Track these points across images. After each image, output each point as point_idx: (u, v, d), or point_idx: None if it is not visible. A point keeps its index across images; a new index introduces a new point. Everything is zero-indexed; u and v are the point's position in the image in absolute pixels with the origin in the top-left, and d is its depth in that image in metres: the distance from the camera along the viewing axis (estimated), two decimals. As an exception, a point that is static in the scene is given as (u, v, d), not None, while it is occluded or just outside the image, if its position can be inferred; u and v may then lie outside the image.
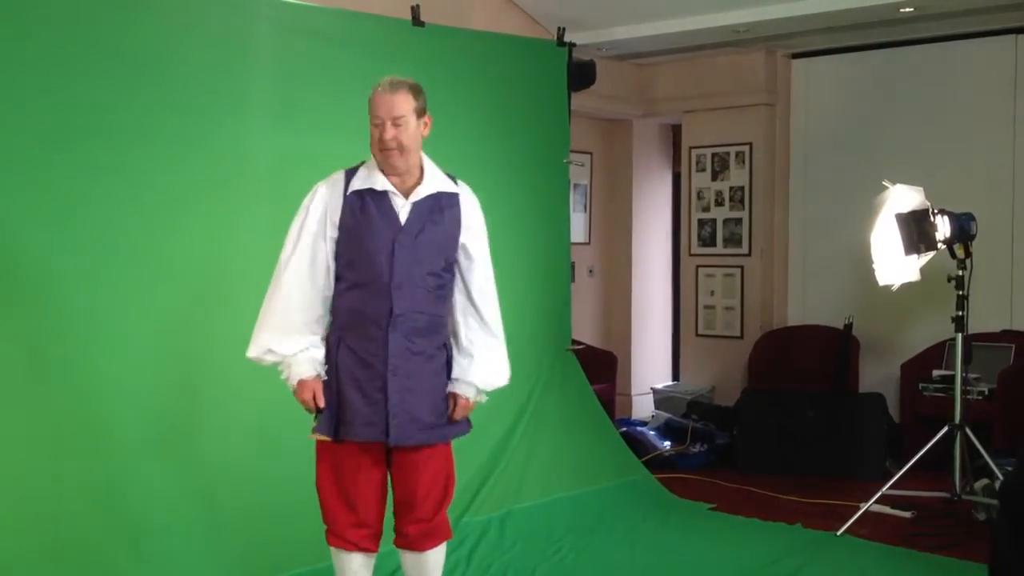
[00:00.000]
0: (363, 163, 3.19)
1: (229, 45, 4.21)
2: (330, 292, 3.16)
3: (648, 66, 7.55)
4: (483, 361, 3.23)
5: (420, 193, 3.14)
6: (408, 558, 3.29)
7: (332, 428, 3.13)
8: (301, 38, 4.43)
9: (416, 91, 3.12)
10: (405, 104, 3.07)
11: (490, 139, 5.19)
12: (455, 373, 3.22)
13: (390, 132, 3.05)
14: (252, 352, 3.16)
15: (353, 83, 4.49)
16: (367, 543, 3.22)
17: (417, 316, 3.11)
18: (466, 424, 3.29)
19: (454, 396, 3.22)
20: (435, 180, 3.19)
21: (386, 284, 3.08)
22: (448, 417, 3.21)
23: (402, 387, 3.09)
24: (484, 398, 3.28)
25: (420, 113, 3.13)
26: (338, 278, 3.15)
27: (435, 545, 3.24)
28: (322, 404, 3.12)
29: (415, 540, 3.23)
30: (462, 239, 3.20)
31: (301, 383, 3.12)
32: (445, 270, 3.18)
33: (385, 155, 3.08)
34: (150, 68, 3.95)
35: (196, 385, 4.02)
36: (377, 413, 3.09)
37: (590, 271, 7.85)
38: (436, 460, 3.23)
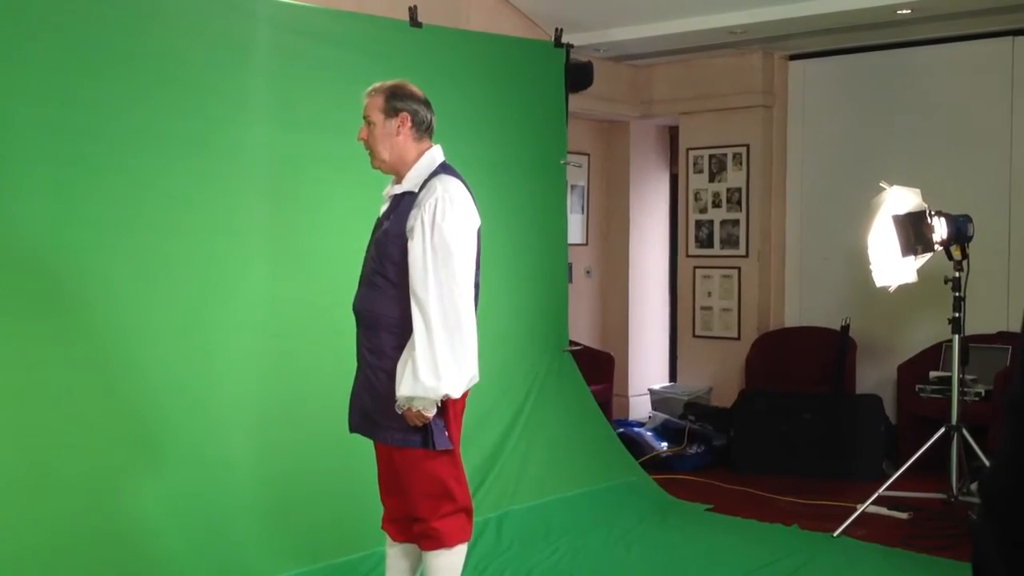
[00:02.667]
0: None
1: (227, 45, 4.21)
2: None
3: (645, 67, 7.55)
4: (399, 368, 3.07)
5: (391, 193, 3.25)
6: (423, 555, 3.32)
7: None
8: (299, 38, 4.44)
9: (390, 92, 3.20)
10: (373, 105, 3.20)
11: (487, 140, 5.19)
12: None
13: (362, 132, 3.22)
14: None
15: (351, 83, 4.48)
16: (386, 524, 3.37)
17: (365, 313, 3.20)
18: (421, 436, 3.10)
19: None
20: (410, 181, 3.18)
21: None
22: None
23: (359, 381, 3.23)
24: (417, 406, 3.02)
25: (391, 113, 3.18)
26: None
27: (435, 548, 3.21)
28: None
29: (417, 537, 3.26)
30: (407, 238, 3.08)
31: None
32: (394, 269, 3.11)
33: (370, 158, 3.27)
34: (148, 68, 3.95)
35: (195, 384, 4.02)
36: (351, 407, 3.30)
37: (587, 272, 7.85)
38: (412, 465, 3.16)
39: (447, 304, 3.01)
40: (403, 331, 3.09)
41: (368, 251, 3.27)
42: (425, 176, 3.16)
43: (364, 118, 3.20)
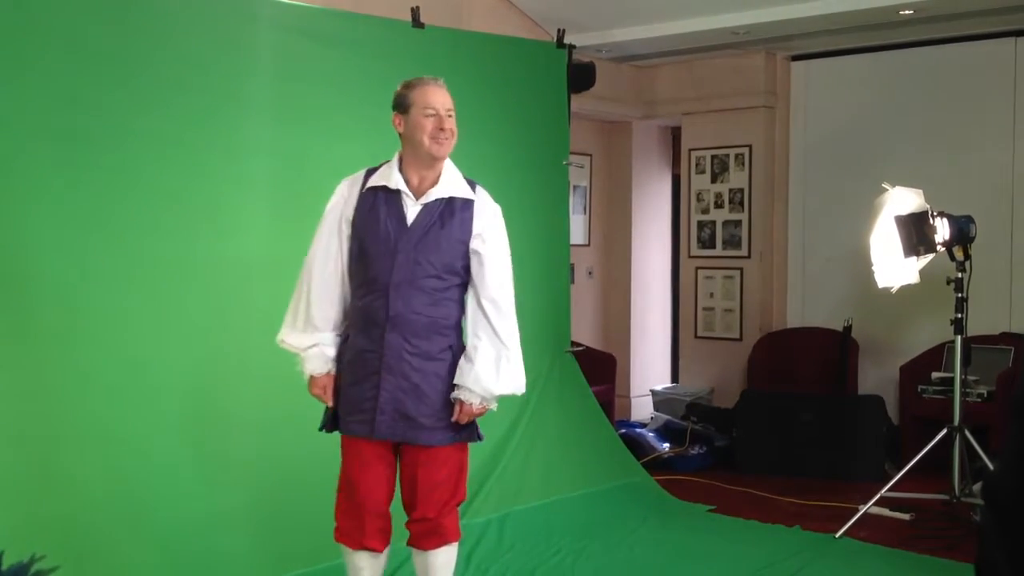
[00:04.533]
0: (386, 162, 3.25)
1: (229, 46, 4.21)
2: (348, 290, 3.25)
3: (647, 68, 7.55)
4: (486, 367, 3.15)
5: (432, 195, 3.18)
6: (416, 557, 3.32)
7: (327, 421, 3.29)
8: (301, 39, 4.44)
9: None
10: (451, 99, 3.21)
11: (490, 141, 5.19)
12: (457, 378, 3.17)
13: (449, 123, 3.16)
14: (278, 337, 3.31)
15: (353, 84, 4.50)
16: (371, 541, 3.24)
17: (415, 317, 3.13)
18: (471, 430, 3.25)
19: (459, 401, 3.18)
20: (452, 184, 3.21)
21: (385, 284, 3.12)
22: (453, 421, 3.18)
23: (395, 386, 3.13)
24: (493, 405, 3.20)
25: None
26: (351, 276, 3.23)
27: (439, 545, 3.24)
28: (330, 401, 3.25)
29: (418, 538, 3.26)
30: (474, 245, 3.18)
31: (311, 379, 3.25)
32: (450, 274, 3.17)
33: (439, 143, 3.15)
34: (149, 69, 3.95)
35: (194, 385, 4.02)
36: (370, 410, 3.16)
37: (589, 273, 7.85)
38: (442, 462, 3.21)
39: (514, 308, 3.27)
40: (456, 333, 3.21)
41: (413, 255, 3.13)
42: (463, 180, 3.24)
43: (447, 109, 3.16)
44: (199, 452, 3.99)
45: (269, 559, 4.01)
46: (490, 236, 3.21)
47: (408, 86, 3.21)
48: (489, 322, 3.18)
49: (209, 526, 3.93)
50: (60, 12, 3.74)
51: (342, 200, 3.23)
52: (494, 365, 3.16)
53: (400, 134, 3.21)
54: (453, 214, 3.17)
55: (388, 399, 3.13)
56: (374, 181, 3.19)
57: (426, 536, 3.24)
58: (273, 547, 4.05)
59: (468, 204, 3.20)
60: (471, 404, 3.15)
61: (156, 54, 3.98)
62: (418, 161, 3.17)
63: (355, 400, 3.18)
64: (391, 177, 3.17)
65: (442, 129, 3.13)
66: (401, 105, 3.19)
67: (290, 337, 3.25)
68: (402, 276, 3.12)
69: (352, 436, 3.23)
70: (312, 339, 3.21)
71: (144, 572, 3.72)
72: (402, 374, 3.13)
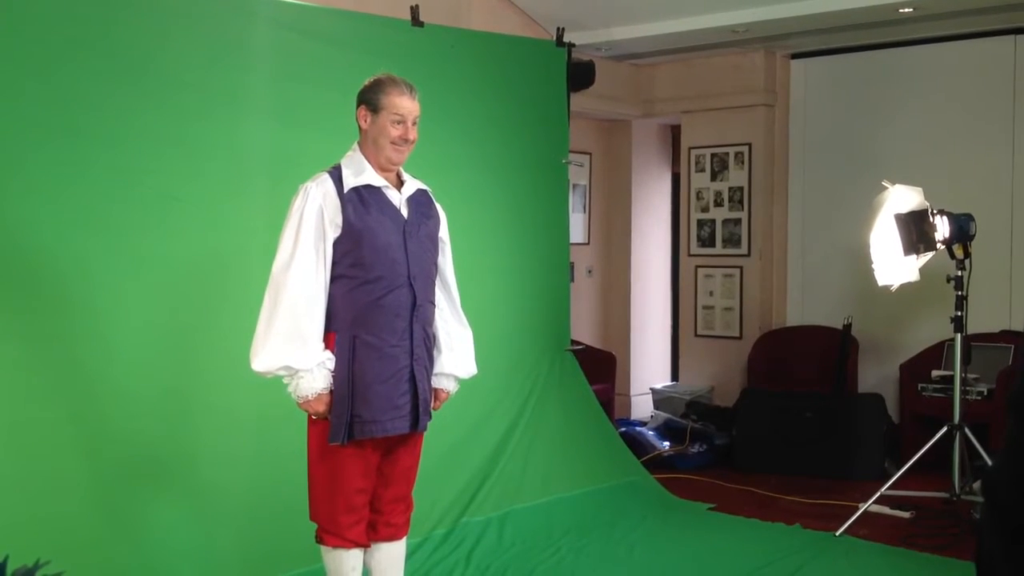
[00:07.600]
0: (340, 162, 3.21)
1: (228, 45, 4.21)
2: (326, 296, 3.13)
3: (647, 66, 7.55)
4: (463, 352, 3.41)
5: (409, 189, 3.26)
6: (393, 549, 3.33)
7: (344, 431, 3.08)
8: (300, 38, 4.43)
9: None
10: (419, 107, 3.24)
11: (489, 139, 5.19)
12: (438, 368, 3.34)
13: (413, 133, 3.20)
14: (262, 366, 3.03)
15: (352, 83, 4.45)
16: (364, 538, 3.25)
17: (429, 307, 3.26)
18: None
19: (439, 389, 3.37)
20: (412, 178, 3.31)
21: (406, 276, 3.15)
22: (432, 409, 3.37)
23: (422, 376, 3.22)
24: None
25: None
26: (338, 277, 3.11)
27: (408, 523, 3.39)
28: (329, 414, 3.09)
29: (403, 526, 3.34)
30: (440, 235, 3.37)
31: (319, 396, 3.07)
32: (435, 263, 3.34)
33: (400, 151, 3.20)
34: (147, 67, 3.94)
35: (190, 385, 4.01)
36: (407, 404, 3.16)
37: (589, 271, 7.85)
38: (419, 444, 3.38)
39: None
40: None
41: (419, 246, 3.21)
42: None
43: (413, 118, 3.20)
44: (195, 451, 3.98)
45: (271, 559, 4.01)
46: (445, 225, 3.39)
47: (382, 88, 3.18)
48: (456, 308, 3.41)
49: (202, 526, 3.93)
50: (59, 11, 3.73)
51: (317, 203, 3.07)
52: (471, 350, 3.43)
53: (362, 129, 3.20)
54: (428, 206, 3.31)
55: (422, 389, 3.21)
56: (354, 180, 3.13)
57: (407, 521, 3.34)
58: (275, 547, 4.04)
59: (428, 195, 3.34)
60: (448, 392, 3.39)
61: (155, 52, 3.97)
62: (377, 160, 3.19)
63: (388, 397, 3.11)
64: (369, 175, 3.16)
65: (406, 140, 3.18)
66: (371, 103, 3.18)
67: (293, 358, 3.00)
68: (417, 268, 3.19)
69: (378, 437, 3.13)
70: (318, 355, 3.04)
71: (144, 572, 3.71)
72: (423, 364, 3.22)
